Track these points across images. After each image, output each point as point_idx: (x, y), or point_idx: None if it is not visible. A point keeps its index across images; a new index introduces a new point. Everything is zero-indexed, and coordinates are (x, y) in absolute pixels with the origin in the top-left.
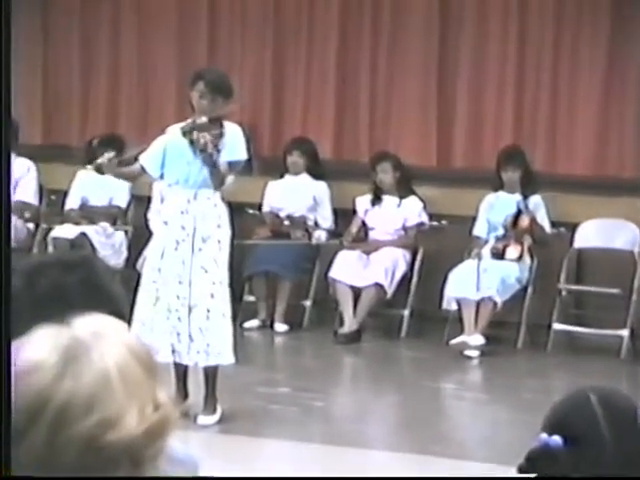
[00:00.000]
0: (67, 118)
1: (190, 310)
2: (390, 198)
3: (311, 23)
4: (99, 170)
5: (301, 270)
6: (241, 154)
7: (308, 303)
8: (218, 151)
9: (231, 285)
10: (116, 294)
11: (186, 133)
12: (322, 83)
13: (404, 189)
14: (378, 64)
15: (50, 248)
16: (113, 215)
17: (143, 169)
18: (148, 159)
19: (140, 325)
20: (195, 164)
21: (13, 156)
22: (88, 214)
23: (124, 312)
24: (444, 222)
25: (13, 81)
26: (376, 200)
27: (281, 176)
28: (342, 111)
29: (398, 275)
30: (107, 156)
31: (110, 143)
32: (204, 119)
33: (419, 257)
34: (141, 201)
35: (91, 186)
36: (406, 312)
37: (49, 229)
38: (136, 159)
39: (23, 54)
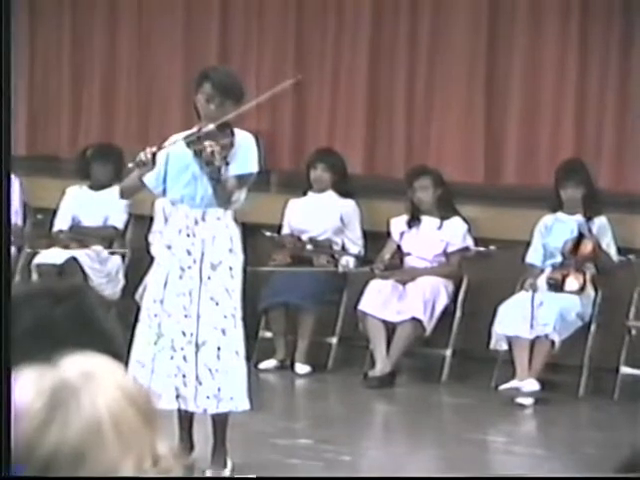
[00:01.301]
0: (56, 125)
1: (198, 348)
2: (429, 219)
3: (339, 19)
4: (94, 187)
5: (326, 302)
6: (251, 166)
7: (334, 340)
8: (227, 163)
9: (245, 319)
10: (110, 329)
11: (191, 143)
12: (351, 87)
13: (446, 209)
14: (416, 68)
15: (34, 276)
16: (108, 237)
17: (142, 183)
18: (149, 175)
19: (139, 366)
20: (202, 179)
21: None
22: (79, 236)
23: (119, 350)
24: (492, 247)
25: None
26: (413, 221)
27: (303, 193)
28: (374, 119)
29: (438, 308)
30: (149, 150)
31: (106, 154)
32: (211, 126)
33: (463, 288)
34: (141, 221)
35: (83, 204)
36: (448, 352)
37: (34, 253)
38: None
39: None
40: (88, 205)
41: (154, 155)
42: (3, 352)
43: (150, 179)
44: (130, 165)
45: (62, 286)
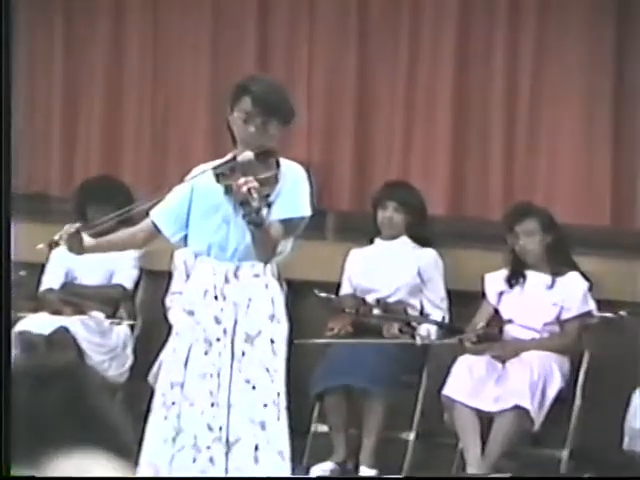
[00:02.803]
0: (45, 155)
1: (229, 447)
2: (537, 275)
3: (416, 20)
4: (95, 235)
5: (400, 385)
6: (302, 208)
7: (411, 436)
8: (268, 205)
9: (291, 408)
10: (113, 419)
11: (221, 175)
12: (432, 106)
13: (559, 261)
14: (518, 82)
15: (14, 350)
16: (113, 300)
17: (156, 228)
18: (163, 214)
19: (151, 470)
20: (236, 223)
21: None
22: (74, 297)
23: (126, 448)
24: (622, 313)
25: None
26: (515, 278)
27: (370, 241)
28: (462, 147)
29: (551, 394)
30: (67, 229)
31: (108, 192)
32: (249, 155)
33: (583, 367)
34: (155, 279)
35: (81, 257)
36: (564, 453)
37: (16, 319)
38: (147, 214)
39: None
40: (86, 258)
41: (70, 237)
42: (3, 352)
43: (167, 223)
44: (39, 247)
45: (51, 363)
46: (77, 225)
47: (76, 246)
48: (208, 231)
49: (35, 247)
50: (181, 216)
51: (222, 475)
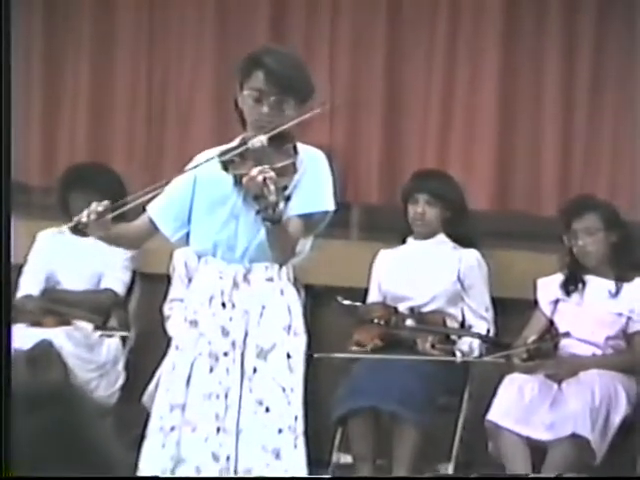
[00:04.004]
0: (22, 140)
1: None
2: (599, 281)
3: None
4: (80, 231)
5: (435, 408)
6: (324, 202)
7: (449, 468)
8: (286, 198)
9: (309, 434)
10: (106, 447)
11: (229, 164)
12: (472, 88)
13: (625, 264)
14: (575, 62)
15: None
16: (102, 308)
17: (154, 225)
18: (161, 209)
19: None
20: (247, 218)
21: None
22: (57, 305)
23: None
24: None
25: None
26: (573, 283)
27: (402, 241)
28: (508, 132)
29: (615, 421)
30: (95, 207)
31: (96, 181)
32: (262, 139)
33: None
34: (152, 283)
35: (63, 256)
36: None
37: None
38: (143, 209)
39: None
40: (71, 258)
41: (99, 216)
42: (3, 352)
43: (165, 219)
44: (63, 229)
45: (40, 385)
46: (105, 203)
47: (103, 228)
48: (214, 228)
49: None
50: (182, 212)
51: None
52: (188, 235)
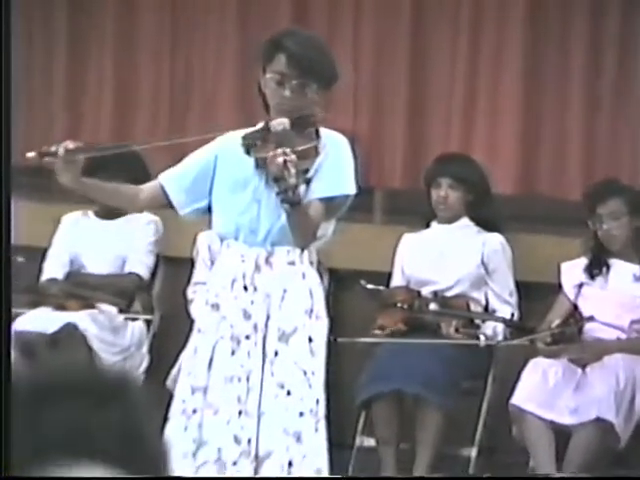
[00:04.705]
0: (46, 122)
1: (259, 463)
2: (623, 264)
3: None
4: (105, 215)
5: (459, 392)
6: (345, 186)
7: (473, 452)
8: (307, 181)
9: (332, 418)
10: (158, 447)
11: (252, 147)
12: (497, 72)
13: None
14: (602, 45)
15: (14, 350)
16: (126, 291)
17: (164, 193)
18: (174, 179)
19: None
20: (269, 201)
21: None
22: (81, 289)
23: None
24: None
25: None
26: (598, 268)
27: (426, 225)
28: (532, 116)
29: None
30: (67, 143)
31: (119, 163)
32: (285, 122)
33: None
34: (175, 267)
35: (87, 240)
36: None
37: (13, 316)
38: (156, 177)
39: None
40: (95, 241)
41: (68, 153)
42: (3, 353)
43: (177, 190)
44: (28, 155)
45: (106, 380)
46: (79, 144)
47: (71, 169)
48: (236, 211)
49: (33, 230)
50: (197, 187)
51: None
52: (197, 211)
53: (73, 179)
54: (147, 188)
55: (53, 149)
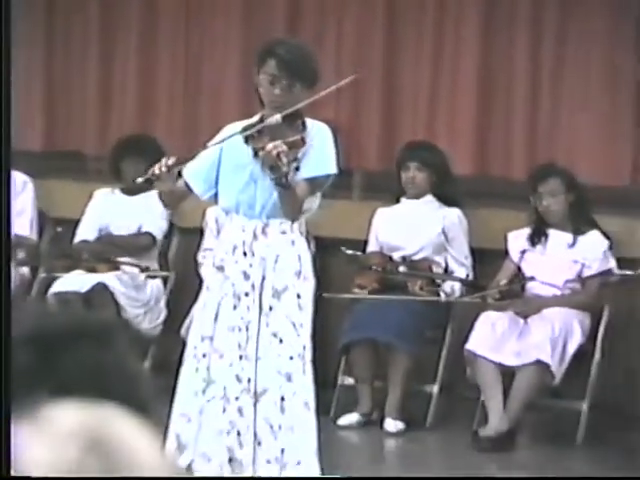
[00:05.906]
0: (80, 114)
1: (256, 398)
2: (559, 234)
3: None
4: (129, 191)
5: (424, 340)
6: (328, 166)
7: (434, 389)
8: (297, 168)
9: (317, 361)
10: (137, 372)
11: (250, 138)
12: (457, 65)
13: (581, 220)
14: (541, 41)
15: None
16: (143, 248)
17: (188, 187)
18: (194, 173)
19: (184, 420)
20: (264, 181)
21: None
22: (106, 247)
23: (145, 401)
24: None
25: None
26: (538, 236)
27: (396, 200)
28: (487, 106)
29: (571, 349)
30: (166, 161)
31: (141, 149)
32: (277, 117)
33: (603, 322)
34: (188, 235)
35: (114, 211)
36: (584, 406)
37: (52, 278)
38: (179, 175)
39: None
40: (120, 213)
41: (170, 169)
42: (3, 355)
43: (197, 181)
44: (139, 180)
45: (104, 322)
46: (174, 159)
47: (169, 179)
48: (236, 189)
49: (67, 205)
50: (211, 174)
51: (250, 424)
52: (216, 195)
53: (171, 186)
54: (179, 186)
55: (157, 171)
